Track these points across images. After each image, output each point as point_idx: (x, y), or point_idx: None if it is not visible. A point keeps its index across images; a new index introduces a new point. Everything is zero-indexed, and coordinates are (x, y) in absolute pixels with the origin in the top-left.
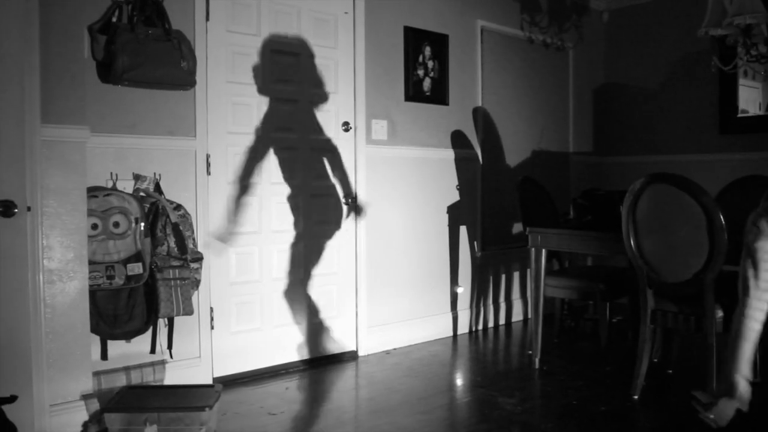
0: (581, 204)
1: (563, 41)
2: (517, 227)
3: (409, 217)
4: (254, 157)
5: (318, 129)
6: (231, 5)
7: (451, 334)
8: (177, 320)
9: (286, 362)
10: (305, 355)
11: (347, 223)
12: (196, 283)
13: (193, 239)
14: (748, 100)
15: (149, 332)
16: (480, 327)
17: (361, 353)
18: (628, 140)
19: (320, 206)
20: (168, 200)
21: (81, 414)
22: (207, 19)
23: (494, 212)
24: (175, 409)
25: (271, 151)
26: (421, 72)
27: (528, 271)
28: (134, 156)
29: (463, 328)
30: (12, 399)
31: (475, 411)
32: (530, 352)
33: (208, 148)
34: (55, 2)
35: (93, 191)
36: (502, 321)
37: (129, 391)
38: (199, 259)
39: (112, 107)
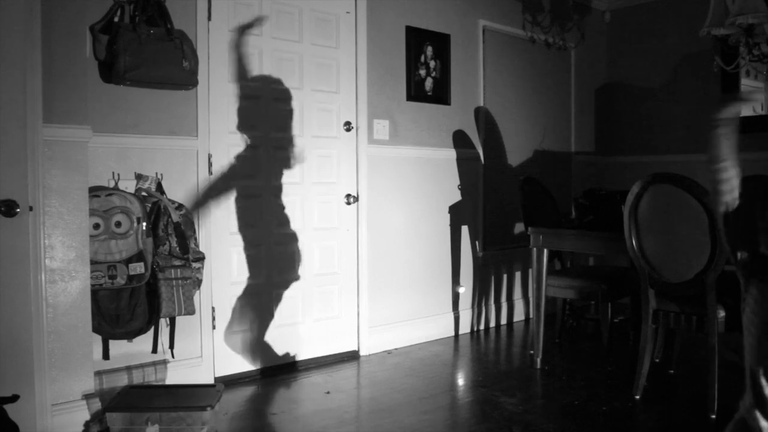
0: (583, 204)
1: (565, 41)
2: (519, 227)
3: (410, 216)
4: (256, 156)
5: (320, 129)
6: (233, 5)
7: (452, 334)
8: (178, 320)
9: (287, 362)
10: (306, 354)
11: (348, 222)
12: (198, 283)
13: (195, 239)
14: None
15: (151, 332)
16: (482, 327)
17: (362, 353)
18: (630, 140)
19: (321, 206)
20: (170, 200)
21: (83, 413)
22: (209, 18)
23: (496, 212)
24: (176, 409)
25: (272, 150)
26: (422, 72)
27: (530, 270)
28: (136, 156)
29: (465, 328)
30: (14, 398)
31: (477, 411)
32: (532, 352)
33: (209, 148)
34: (58, 2)
35: (95, 191)
36: (503, 321)
37: (131, 391)
38: (200, 258)
39: (114, 107)
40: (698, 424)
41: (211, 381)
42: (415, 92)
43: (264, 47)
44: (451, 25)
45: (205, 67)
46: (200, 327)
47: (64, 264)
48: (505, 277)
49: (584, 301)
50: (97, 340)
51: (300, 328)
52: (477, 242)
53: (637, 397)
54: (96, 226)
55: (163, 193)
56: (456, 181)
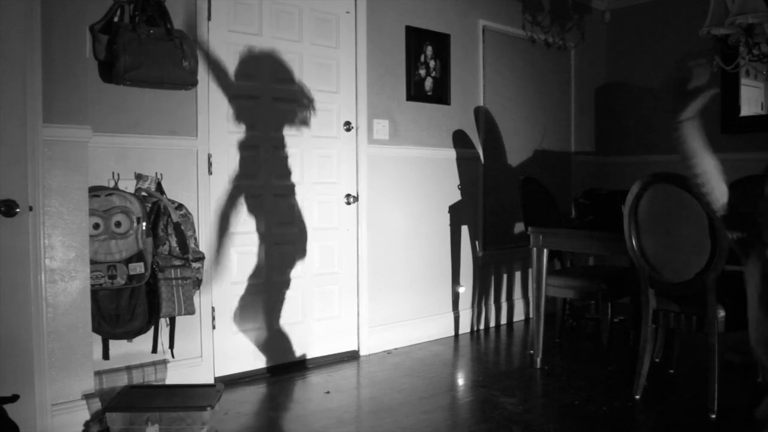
0: (583, 204)
1: (565, 41)
2: (519, 227)
3: (410, 216)
4: (256, 156)
5: (320, 128)
6: (233, 5)
7: (452, 333)
8: (178, 320)
9: (287, 362)
10: (307, 354)
11: (348, 222)
12: (198, 283)
13: (195, 239)
14: (750, 99)
15: (151, 332)
16: (482, 327)
17: (362, 353)
18: (630, 140)
19: (321, 206)
20: (170, 200)
21: (83, 413)
22: (209, 18)
23: (496, 212)
24: (176, 409)
25: (272, 150)
26: (422, 71)
27: (529, 270)
28: (136, 156)
29: (465, 327)
30: (14, 398)
31: (477, 411)
32: (532, 351)
33: (209, 148)
34: (58, 2)
35: (95, 191)
36: (503, 321)
37: (131, 391)
38: (200, 258)
39: (113, 107)
40: (698, 424)
41: (211, 381)
42: (415, 92)
43: (264, 47)
44: (451, 25)
45: (205, 67)
46: (200, 327)
47: (64, 264)
48: (505, 276)
49: (584, 301)
50: (97, 340)
51: (300, 327)
52: (477, 242)
53: (637, 397)
54: (96, 226)
55: (162, 193)
56: (456, 181)
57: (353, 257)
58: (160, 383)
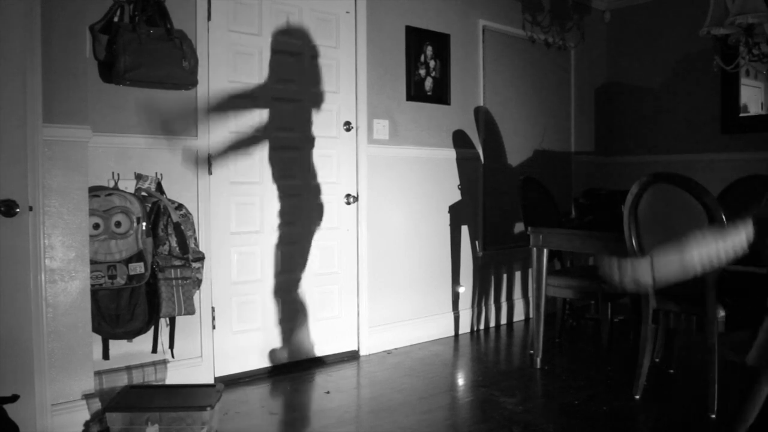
0: (583, 204)
1: (565, 41)
2: (519, 227)
3: (410, 216)
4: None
5: (320, 128)
6: (233, 5)
7: (452, 333)
8: (178, 320)
9: (287, 362)
10: (307, 354)
11: (348, 222)
12: (198, 283)
13: (195, 239)
14: (750, 99)
15: (151, 332)
16: (481, 327)
17: (362, 353)
18: (630, 140)
19: (321, 205)
20: (169, 200)
21: (82, 413)
22: (209, 18)
23: (496, 212)
24: (176, 409)
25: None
26: (422, 71)
27: (529, 270)
28: (136, 155)
29: (465, 327)
30: (14, 398)
31: (477, 411)
32: (532, 351)
33: (209, 148)
34: (58, 2)
35: (95, 191)
36: (503, 321)
37: (130, 391)
38: (200, 258)
39: (113, 107)
40: (698, 424)
41: (211, 381)
42: (415, 92)
43: (264, 46)
44: (450, 24)
45: (205, 67)
46: (200, 327)
47: (63, 264)
48: (505, 276)
49: (584, 300)
50: (97, 340)
51: (300, 328)
52: (477, 242)
53: (637, 397)
54: (96, 226)
55: (162, 193)
56: (456, 181)
57: (353, 257)
58: (160, 383)
